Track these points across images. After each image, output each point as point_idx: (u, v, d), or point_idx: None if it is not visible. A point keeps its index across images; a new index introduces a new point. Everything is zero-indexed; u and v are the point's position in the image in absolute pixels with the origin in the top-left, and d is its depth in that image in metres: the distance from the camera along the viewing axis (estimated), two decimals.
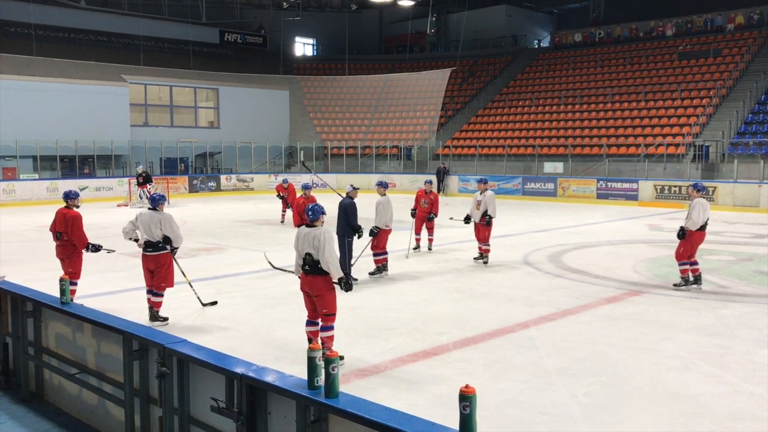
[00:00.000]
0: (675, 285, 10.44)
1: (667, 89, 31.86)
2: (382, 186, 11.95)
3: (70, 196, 9.02)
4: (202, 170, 34.55)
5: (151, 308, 8.42)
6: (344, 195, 10.92)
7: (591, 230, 17.95)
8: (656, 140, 28.22)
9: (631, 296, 10.03)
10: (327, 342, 6.81)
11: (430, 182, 14.61)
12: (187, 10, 37.32)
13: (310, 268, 6.71)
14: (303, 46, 46.75)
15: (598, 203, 26.18)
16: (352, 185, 11.26)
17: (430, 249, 14.05)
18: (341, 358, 6.81)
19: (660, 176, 26.49)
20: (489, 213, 12.47)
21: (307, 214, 6.89)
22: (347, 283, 6.86)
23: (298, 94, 40.09)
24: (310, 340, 6.89)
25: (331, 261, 6.66)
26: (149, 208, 8.53)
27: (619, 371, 6.73)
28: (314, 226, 6.83)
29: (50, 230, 9.05)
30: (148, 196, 24.64)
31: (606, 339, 7.80)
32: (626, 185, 26.38)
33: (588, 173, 28.34)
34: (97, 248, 8.96)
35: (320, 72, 42.52)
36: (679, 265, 10.40)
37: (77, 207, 9.05)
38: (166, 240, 8.36)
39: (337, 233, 10.45)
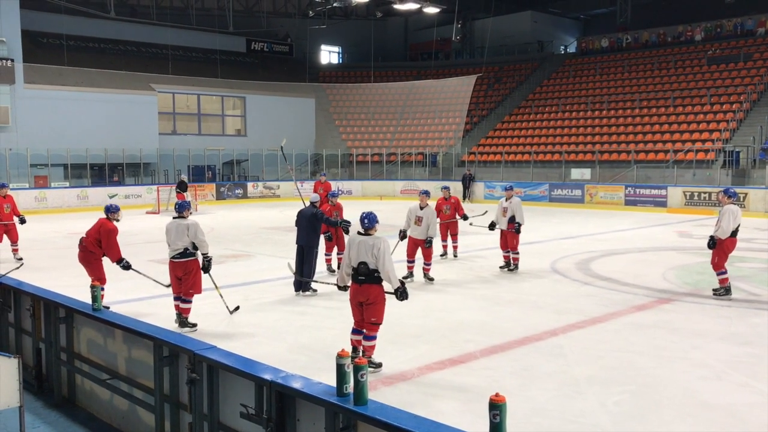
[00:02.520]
0: (715, 292, 10.25)
1: (696, 94, 31.48)
2: (424, 194, 11.82)
3: (110, 210, 9.16)
4: (229, 178, 34.84)
5: (179, 315, 8.50)
6: (308, 203, 10.96)
7: (619, 237, 17.78)
8: (685, 146, 27.87)
9: (661, 304, 9.91)
10: (368, 351, 6.79)
11: (447, 188, 14.17)
12: (215, 20, 37.74)
13: (366, 278, 6.64)
14: (329, 54, 47.00)
15: (627, 210, 25.91)
16: (314, 194, 11.60)
17: (455, 256, 14.01)
18: (379, 365, 6.83)
19: (689, 182, 26.15)
20: (517, 220, 12.35)
21: (362, 222, 6.85)
22: (404, 293, 6.75)
23: (324, 101, 40.29)
24: (355, 349, 6.80)
25: (390, 270, 6.62)
26: (174, 217, 8.63)
27: (648, 380, 6.65)
28: (369, 234, 6.79)
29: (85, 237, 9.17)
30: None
31: (635, 347, 7.72)
32: (655, 191, 26.09)
33: (616, 179, 28.07)
34: (127, 266, 9.04)
35: (346, 79, 42.69)
36: (718, 275, 10.19)
37: (117, 221, 9.17)
38: (194, 246, 8.42)
39: (302, 243, 10.61)
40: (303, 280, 10.43)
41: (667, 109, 31.50)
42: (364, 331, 6.88)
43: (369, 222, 6.80)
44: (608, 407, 5.96)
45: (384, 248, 6.63)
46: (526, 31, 42.26)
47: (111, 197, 28.51)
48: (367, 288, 6.68)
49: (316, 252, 10.78)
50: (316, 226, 10.77)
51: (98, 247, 8.98)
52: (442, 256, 13.91)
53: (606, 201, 27.16)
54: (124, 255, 9.17)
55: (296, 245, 10.82)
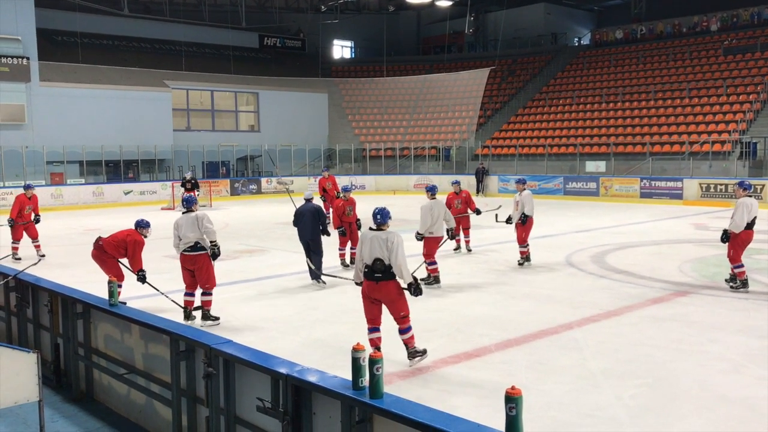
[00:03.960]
0: (729, 284, 10.16)
1: (712, 85, 31.19)
2: (428, 191, 11.59)
3: (142, 225, 9.29)
4: (243, 173, 34.96)
5: (186, 309, 8.60)
6: (304, 201, 11.30)
7: (635, 230, 17.67)
8: (701, 138, 27.62)
9: (677, 297, 9.84)
10: (410, 343, 6.78)
11: (458, 182, 14.07)
12: (227, 16, 37.82)
13: (382, 275, 6.59)
14: (341, 49, 46.98)
15: (642, 202, 25.74)
16: (308, 191, 11.87)
17: (469, 250, 13.95)
18: (424, 351, 6.82)
19: (705, 174, 25.92)
20: (525, 212, 12.27)
21: (375, 218, 6.82)
22: (417, 288, 6.74)
23: (337, 96, 40.30)
24: (378, 348, 6.71)
25: (403, 265, 6.60)
26: (183, 212, 8.74)
27: (665, 373, 6.61)
28: (381, 229, 6.76)
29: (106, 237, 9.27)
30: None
31: (652, 340, 7.67)
32: (671, 184, 25.90)
33: (631, 172, 27.88)
34: (143, 279, 9.12)
35: (358, 74, 42.66)
36: (735, 268, 10.10)
37: (146, 237, 9.30)
38: (204, 241, 8.56)
39: (308, 239, 10.89)
40: (320, 274, 10.74)
41: (683, 101, 31.23)
42: (379, 327, 6.90)
43: (381, 218, 6.78)
44: (625, 401, 5.93)
45: (397, 242, 6.60)
46: (540, 23, 42.02)
47: (126, 194, 28.72)
48: (385, 285, 6.64)
49: (321, 242, 11.02)
50: (320, 220, 11.02)
51: (117, 251, 9.13)
52: (455, 250, 13.88)
53: (621, 194, 27.00)
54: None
55: (301, 242, 11.02)
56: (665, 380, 6.42)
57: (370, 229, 6.83)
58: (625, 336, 7.87)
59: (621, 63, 36.70)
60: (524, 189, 12.55)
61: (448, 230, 11.04)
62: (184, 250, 8.52)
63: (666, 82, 33.16)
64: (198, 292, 8.71)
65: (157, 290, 9.14)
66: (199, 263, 8.53)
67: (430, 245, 10.84)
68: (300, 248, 11.20)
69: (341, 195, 12.46)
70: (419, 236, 10.82)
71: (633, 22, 39.08)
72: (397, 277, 6.69)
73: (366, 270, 6.68)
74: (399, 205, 11.38)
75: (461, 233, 13.93)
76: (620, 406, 5.81)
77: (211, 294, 8.61)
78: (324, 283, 10.79)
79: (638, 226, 18.45)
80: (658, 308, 9.19)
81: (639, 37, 38.03)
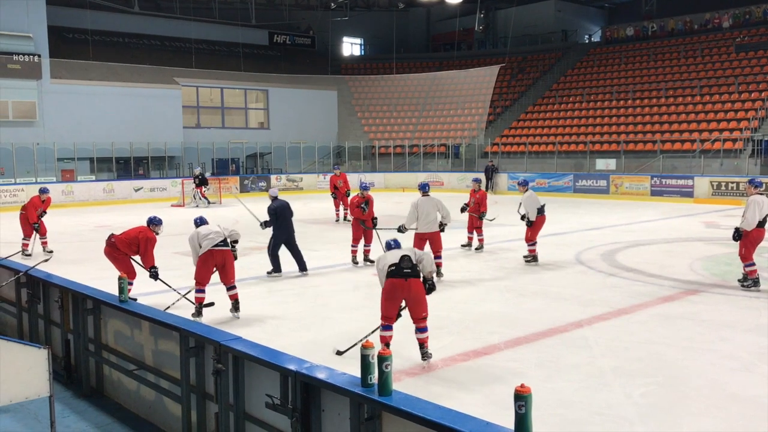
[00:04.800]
0: (741, 283, 10.10)
1: (723, 83, 30.97)
2: (419, 188, 11.70)
3: (154, 222, 9.40)
4: (253, 170, 35.01)
5: (199, 305, 8.67)
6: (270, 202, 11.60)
7: (645, 228, 17.59)
8: (712, 135, 27.46)
9: (688, 295, 9.79)
10: (426, 342, 6.86)
11: (477, 180, 14.43)
12: (237, 13, 37.86)
13: (411, 271, 6.70)
14: (351, 46, 46.95)
15: (652, 200, 25.62)
16: (273, 188, 12.45)
17: (477, 249, 13.88)
18: (430, 355, 6.94)
19: (716, 172, 25.76)
20: (520, 212, 12.42)
21: (389, 246, 7.16)
22: (432, 285, 6.93)
23: (346, 93, 40.29)
24: (388, 345, 6.78)
25: (431, 263, 6.95)
26: (197, 223, 9.02)
27: (675, 372, 6.58)
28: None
29: (118, 234, 9.35)
30: (202, 197, 25.27)
31: (662, 339, 7.64)
32: (681, 182, 25.76)
33: (641, 170, 27.75)
34: (155, 276, 9.22)
35: (368, 71, 42.63)
36: (746, 266, 10.04)
37: (158, 234, 9.40)
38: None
39: (288, 235, 11.38)
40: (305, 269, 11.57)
41: (694, 98, 31.04)
42: (390, 326, 6.95)
43: (396, 243, 7.16)
44: (634, 399, 5.91)
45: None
46: (550, 20, 41.85)
47: (136, 190, 28.82)
48: (415, 282, 6.73)
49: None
50: (289, 216, 11.56)
51: (129, 248, 9.22)
52: (463, 246, 13.87)
53: (631, 191, 26.88)
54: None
55: (280, 238, 11.27)
56: (675, 379, 6.39)
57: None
58: (635, 334, 7.84)
59: (632, 60, 36.51)
60: (526, 190, 12.58)
61: (440, 224, 11.19)
62: (216, 245, 8.62)
63: (677, 80, 32.96)
64: (207, 288, 8.76)
65: (170, 286, 9.21)
66: (228, 258, 8.75)
67: (417, 241, 10.95)
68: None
69: (360, 193, 12.49)
70: (402, 228, 10.98)
71: (644, 19, 38.86)
72: (421, 271, 6.82)
73: (393, 268, 6.72)
74: (407, 202, 11.38)
75: (474, 231, 13.93)
76: (630, 405, 5.79)
77: (236, 287, 8.88)
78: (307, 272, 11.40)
79: (648, 224, 18.37)
80: (669, 306, 9.14)
81: (650, 34, 37.82)
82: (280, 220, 11.28)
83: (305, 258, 11.69)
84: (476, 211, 13.73)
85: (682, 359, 6.95)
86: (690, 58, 34.20)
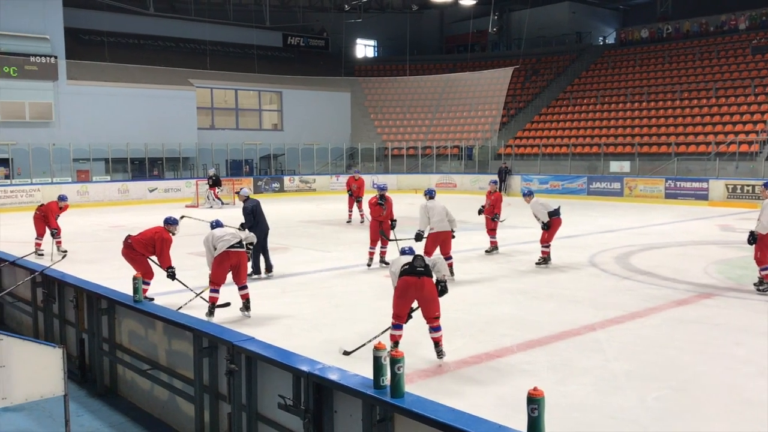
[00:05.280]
0: (756, 286, 10.01)
1: (739, 85, 30.73)
2: (425, 194, 11.70)
3: (170, 222, 9.51)
4: (266, 172, 35.13)
5: (212, 305, 8.72)
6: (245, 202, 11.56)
7: (659, 231, 17.48)
8: (728, 138, 27.24)
9: (702, 299, 9.73)
10: (440, 340, 6.97)
11: (494, 182, 14.48)
12: (252, 15, 38.00)
13: (424, 270, 6.79)
14: (364, 48, 47.00)
15: (667, 203, 25.46)
16: (243, 188, 12.42)
17: (489, 251, 13.77)
18: (444, 353, 7.03)
19: (732, 175, 25.56)
20: (541, 220, 12.36)
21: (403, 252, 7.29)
22: (445, 287, 7.01)
23: (359, 95, 40.34)
24: (396, 344, 6.91)
25: (444, 267, 7.09)
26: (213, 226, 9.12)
27: (689, 376, 6.54)
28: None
29: (135, 235, 9.42)
30: (215, 198, 25.39)
31: (676, 343, 7.59)
32: (696, 184, 25.58)
33: (656, 172, 27.59)
34: (172, 275, 9.33)
35: (381, 73, 42.66)
36: (761, 270, 9.95)
37: (173, 234, 9.49)
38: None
39: (266, 234, 11.37)
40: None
41: (709, 101, 30.83)
42: (404, 325, 7.04)
43: (410, 251, 7.26)
44: (648, 403, 5.88)
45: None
46: (564, 22, 41.70)
47: (151, 191, 28.99)
48: (428, 281, 6.81)
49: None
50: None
51: (146, 249, 9.32)
52: (487, 252, 13.81)
53: (646, 194, 26.73)
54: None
55: (259, 238, 10.91)
56: (689, 383, 6.35)
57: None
58: (648, 338, 7.80)
59: (646, 62, 36.30)
60: (531, 200, 12.63)
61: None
62: (231, 246, 8.67)
63: (692, 82, 32.74)
64: (221, 289, 8.81)
65: (186, 286, 9.32)
66: (242, 259, 8.84)
67: (428, 244, 10.92)
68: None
69: (377, 194, 12.49)
70: (419, 234, 11.01)
71: (659, 20, 38.63)
72: (434, 274, 6.91)
73: (406, 267, 6.81)
74: (419, 204, 11.40)
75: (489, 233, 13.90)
76: (643, 409, 5.76)
77: (247, 287, 8.97)
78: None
79: (663, 227, 18.26)
80: (683, 310, 9.09)
81: (665, 36, 37.58)
82: (257, 219, 11.29)
83: (321, 258, 11.69)
84: (491, 213, 13.73)
85: (696, 363, 6.90)
86: (705, 60, 33.96)
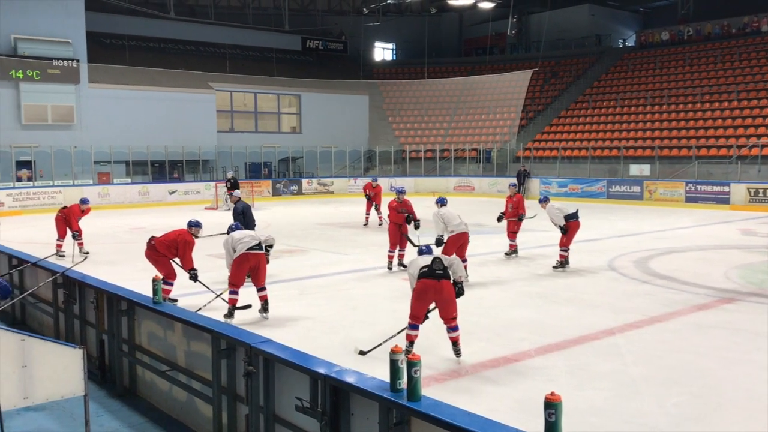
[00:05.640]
0: None
1: (762, 87, 30.36)
2: (437, 202, 11.64)
3: (194, 225, 9.69)
4: (285, 174, 35.27)
5: (232, 306, 8.76)
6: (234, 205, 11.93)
7: (679, 235, 17.33)
8: (750, 141, 26.95)
9: (723, 304, 9.62)
10: (458, 340, 7.10)
11: (514, 185, 14.53)
12: (271, 19, 38.21)
13: (443, 273, 6.90)
14: (383, 51, 47.07)
15: (687, 207, 25.21)
16: (237, 190, 12.67)
17: (508, 254, 13.72)
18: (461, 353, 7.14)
19: (754, 179, 25.27)
20: (558, 224, 12.35)
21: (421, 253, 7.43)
22: (461, 288, 7.13)
23: (378, 98, 40.39)
24: (411, 343, 7.03)
25: (461, 268, 7.18)
26: (232, 229, 9.24)
27: (710, 381, 6.47)
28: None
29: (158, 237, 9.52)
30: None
31: (696, 348, 7.52)
32: (717, 188, 25.32)
33: (676, 176, 27.34)
34: (195, 277, 9.42)
35: (399, 76, 42.68)
36: None
37: (196, 237, 9.61)
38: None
39: None
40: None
41: (731, 104, 30.50)
42: (420, 325, 7.11)
43: (428, 249, 7.53)
44: (667, 409, 5.82)
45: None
46: (584, 25, 41.46)
47: (171, 193, 29.22)
48: (446, 284, 6.91)
49: None
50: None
51: (168, 251, 9.42)
52: (508, 254, 13.75)
53: (666, 198, 26.50)
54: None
55: None
56: (709, 389, 6.29)
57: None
58: (668, 343, 7.73)
59: (667, 65, 36.01)
60: (546, 205, 12.65)
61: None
62: (251, 248, 8.75)
63: (713, 85, 32.42)
64: (241, 291, 8.87)
65: (208, 288, 9.43)
66: (261, 261, 8.91)
67: (449, 246, 10.83)
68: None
69: (396, 198, 12.51)
70: (439, 239, 10.93)
71: (680, 23, 38.29)
72: (451, 275, 7.01)
73: (425, 269, 6.91)
74: (431, 212, 11.42)
75: (510, 236, 13.83)
76: (662, 414, 5.71)
77: (266, 288, 9.02)
78: None
79: (683, 231, 18.09)
80: (703, 315, 9.00)
81: (686, 39, 37.24)
82: (247, 220, 11.40)
83: (338, 260, 11.73)
84: (515, 216, 13.68)
85: (716, 369, 6.83)
86: (727, 63, 33.60)
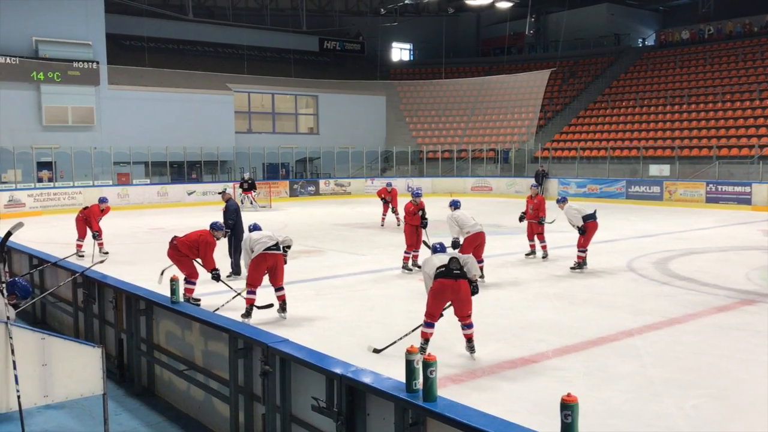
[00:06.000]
0: None
1: None
2: (450, 205, 11.60)
3: (216, 228, 9.72)
4: (302, 175, 35.39)
5: (249, 306, 8.81)
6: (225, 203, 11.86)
7: (700, 236, 17.16)
8: None
9: (744, 305, 9.51)
10: (472, 337, 7.19)
11: (536, 186, 14.48)
12: (289, 20, 38.35)
13: (460, 272, 6.97)
14: (400, 52, 47.07)
15: (708, 207, 24.95)
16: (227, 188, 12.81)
17: (544, 257, 13.51)
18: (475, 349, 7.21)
19: None
20: (576, 225, 12.29)
21: (434, 250, 7.52)
22: (476, 287, 7.19)
23: (395, 99, 40.39)
24: (427, 341, 7.10)
25: (476, 267, 7.22)
26: (251, 229, 9.28)
27: (730, 384, 6.40)
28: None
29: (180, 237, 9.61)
30: (252, 202, 25.66)
31: (716, 350, 7.44)
32: (738, 188, 25.03)
33: (696, 176, 27.08)
34: (217, 277, 9.49)
35: (417, 76, 42.64)
36: None
37: (218, 238, 9.67)
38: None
39: (239, 236, 11.04)
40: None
41: (753, 103, 30.15)
42: (433, 324, 7.14)
43: (441, 247, 7.56)
44: (686, 411, 5.77)
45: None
46: (602, 24, 41.17)
47: (189, 194, 29.41)
48: (464, 283, 6.99)
49: None
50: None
51: (190, 251, 9.49)
52: (527, 255, 13.68)
53: (686, 198, 26.25)
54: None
55: (240, 238, 10.84)
56: (730, 391, 6.21)
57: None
58: (687, 344, 7.66)
59: (687, 64, 35.67)
60: (564, 206, 12.58)
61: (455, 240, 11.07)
62: (268, 249, 8.78)
63: (735, 84, 32.06)
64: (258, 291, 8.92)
65: (230, 287, 9.56)
66: (279, 261, 8.94)
67: (466, 247, 10.75)
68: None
69: (412, 200, 12.47)
70: (456, 241, 10.86)
71: (700, 21, 37.92)
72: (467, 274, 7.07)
73: (442, 269, 6.96)
74: (445, 215, 11.40)
75: (536, 239, 13.67)
76: (681, 417, 5.65)
77: (284, 288, 9.05)
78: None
79: (703, 232, 17.91)
80: (724, 317, 8.90)
81: (706, 38, 36.88)
82: (239, 218, 11.45)
83: (355, 261, 11.74)
84: (535, 218, 13.56)
85: (736, 371, 6.76)
86: (749, 62, 33.21)
